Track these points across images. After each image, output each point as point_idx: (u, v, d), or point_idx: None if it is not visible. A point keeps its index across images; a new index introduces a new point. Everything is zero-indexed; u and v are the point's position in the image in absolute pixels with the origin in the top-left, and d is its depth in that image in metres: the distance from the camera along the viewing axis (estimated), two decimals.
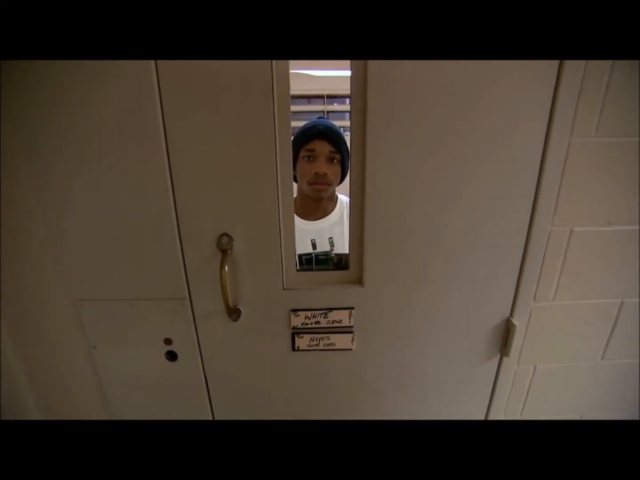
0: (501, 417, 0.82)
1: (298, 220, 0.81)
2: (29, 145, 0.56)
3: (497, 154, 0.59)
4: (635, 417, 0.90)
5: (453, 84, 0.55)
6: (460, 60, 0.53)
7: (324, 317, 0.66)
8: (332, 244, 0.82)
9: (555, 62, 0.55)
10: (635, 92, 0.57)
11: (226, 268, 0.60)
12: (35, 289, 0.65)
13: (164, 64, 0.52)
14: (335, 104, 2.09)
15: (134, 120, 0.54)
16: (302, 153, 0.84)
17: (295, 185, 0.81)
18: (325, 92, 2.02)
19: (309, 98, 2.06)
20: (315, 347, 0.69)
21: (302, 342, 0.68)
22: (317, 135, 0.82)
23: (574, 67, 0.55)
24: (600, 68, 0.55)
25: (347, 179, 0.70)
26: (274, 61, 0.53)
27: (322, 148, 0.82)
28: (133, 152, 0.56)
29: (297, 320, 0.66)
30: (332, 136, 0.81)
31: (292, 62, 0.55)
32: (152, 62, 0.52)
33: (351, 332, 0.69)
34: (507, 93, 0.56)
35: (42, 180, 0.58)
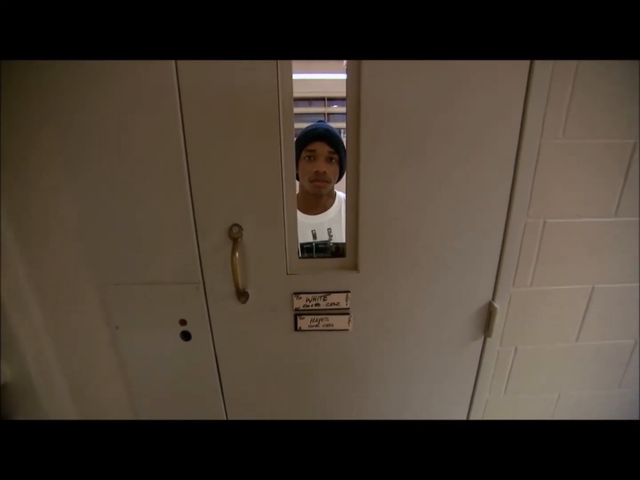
0: (486, 394, 0.89)
1: (300, 215, 0.88)
2: (61, 143, 0.63)
3: (477, 154, 0.67)
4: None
5: (433, 86, 0.62)
6: (441, 65, 0.61)
7: (323, 300, 0.74)
8: (330, 234, 0.90)
9: (526, 66, 0.62)
10: (597, 95, 0.65)
11: (237, 255, 0.67)
12: (65, 275, 0.73)
13: (184, 69, 0.59)
14: (335, 106, 2.16)
15: (157, 121, 0.62)
16: (304, 153, 0.92)
17: (297, 182, 0.89)
18: (325, 95, 2.10)
19: (310, 100, 2.14)
20: (315, 328, 0.76)
21: (304, 322, 0.76)
22: (317, 137, 0.90)
23: (542, 72, 0.62)
24: (565, 72, 0.63)
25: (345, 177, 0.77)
26: (279, 68, 0.60)
27: (322, 149, 0.90)
28: (156, 150, 0.63)
29: (299, 303, 0.74)
30: (330, 138, 0.90)
31: (294, 67, 0.62)
32: (174, 68, 0.59)
33: (348, 314, 0.76)
34: (485, 96, 0.63)
35: (74, 177, 0.65)
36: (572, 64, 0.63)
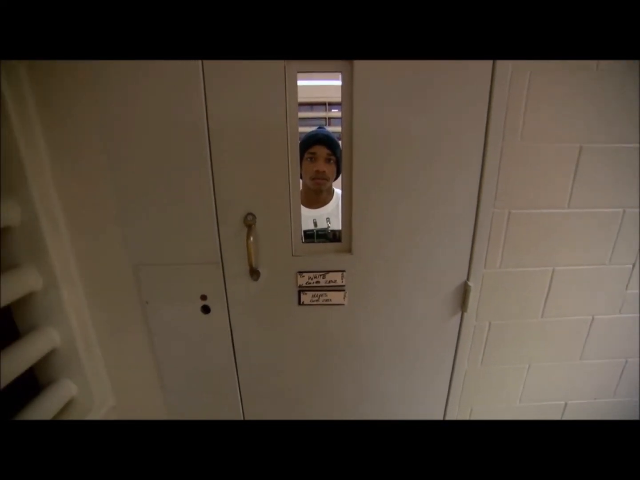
0: (465, 365, 1.02)
1: (303, 209, 1.02)
2: (109, 144, 0.77)
3: (451, 154, 0.80)
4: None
5: (413, 97, 0.76)
6: (420, 77, 0.74)
7: (323, 278, 0.88)
8: (328, 223, 1.04)
9: (487, 84, 0.76)
10: (547, 105, 0.78)
11: (251, 239, 0.81)
12: (105, 256, 0.86)
13: (211, 85, 0.73)
14: (335, 110, 2.30)
15: (186, 129, 0.76)
16: (306, 155, 1.06)
17: (301, 181, 1.02)
18: (326, 100, 2.24)
19: (312, 105, 2.29)
20: (316, 302, 0.90)
21: (306, 297, 0.89)
22: (317, 141, 1.04)
23: (501, 87, 0.76)
24: (520, 83, 0.76)
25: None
26: (286, 80, 0.73)
27: (322, 151, 1.05)
28: (185, 151, 0.77)
29: (302, 280, 0.87)
30: (329, 142, 1.04)
31: (298, 75, 0.74)
32: (202, 86, 0.73)
33: (343, 290, 0.90)
34: (457, 104, 0.77)
35: (117, 176, 0.79)
36: (525, 76, 0.76)
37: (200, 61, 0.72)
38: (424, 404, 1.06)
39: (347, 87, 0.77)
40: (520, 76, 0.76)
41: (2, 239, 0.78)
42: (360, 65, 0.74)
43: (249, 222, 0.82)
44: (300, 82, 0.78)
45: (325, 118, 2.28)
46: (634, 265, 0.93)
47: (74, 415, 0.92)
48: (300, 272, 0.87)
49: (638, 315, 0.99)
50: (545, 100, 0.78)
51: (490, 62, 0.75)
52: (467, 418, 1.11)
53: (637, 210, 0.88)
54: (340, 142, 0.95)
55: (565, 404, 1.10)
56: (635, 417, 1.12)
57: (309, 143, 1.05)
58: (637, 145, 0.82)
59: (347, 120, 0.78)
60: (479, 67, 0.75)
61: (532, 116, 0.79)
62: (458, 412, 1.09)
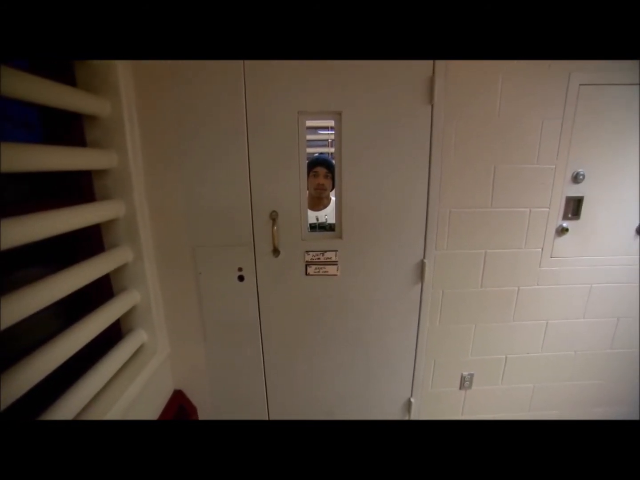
0: (427, 324, 1.38)
1: (309, 211, 1.43)
2: (181, 155, 1.19)
3: (406, 168, 1.21)
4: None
5: (381, 132, 1.18)
6: (385, 108, 1.17)
7: (322, 255, 1.27)
8: (326, 219, 1.45)
9: (428, 123, 1.18)
10: (468, 132, 1.20)
11: (274, 228, 1.21)
12: (172, 240, 1.26)
13: (251, 96, 1.16)
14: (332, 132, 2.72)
15: (234, 156, 1.18)
16: (311, 173, 1.49)
17: (307, 191, 1.43)
18: (329, 124, 2.68)
19: (316, 129, 2.73)
20: (317, 273, 1.28)
21: (311, 270, 1.28)
22: (319, 163, 1.48)
23: (438, 119, 1.18)
24: (453, 115, 1.19)
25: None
26: (299, 125, 1.16)
27: (322, 170, 1.48)
28: (231, 169, 1.19)
29: (308, 257, 1.26)
30: (327, 164, 1.48)
31: None
32: (243, 95, 1.16)
33: (336, 265, 1.28)
34: (411, 131, 1.19)
35: (185, 181, 1.21)
36: (453, 121, 1.18)
37: (244, 101, 1.13)
38: (399, 352, 1.41)
39: (338, 129, 1.19)
40: (450, 120, 1.18)
41: (111, 226, 1.18)
42: (346, 115, 1.16)
43: (273, 216, 1.22)
44: None
45: (328, 140, 2.72)
46: (542, 249, 1.31)
47: (144, 356, 1.29)
48: (307, 251, 1.26)
49: (552, 286, 1.36)
50: (468, 136, 1.20)
51: (429, 111, 1.17)
52: (432, 368, 1.45)
53: (540, 209, 1.27)
54: (334, 162, 1.36)
55: (506, 357, 1.45)
56: (563, 370, 1.46)
57: (313, 164, 1.49)
58: (533, 166, 1.23)
59: (338, 149, 1.20)
60: (423, 114, 1.17)
61: (460, 146, 1.20)
62: (425, 363, 1.43)
